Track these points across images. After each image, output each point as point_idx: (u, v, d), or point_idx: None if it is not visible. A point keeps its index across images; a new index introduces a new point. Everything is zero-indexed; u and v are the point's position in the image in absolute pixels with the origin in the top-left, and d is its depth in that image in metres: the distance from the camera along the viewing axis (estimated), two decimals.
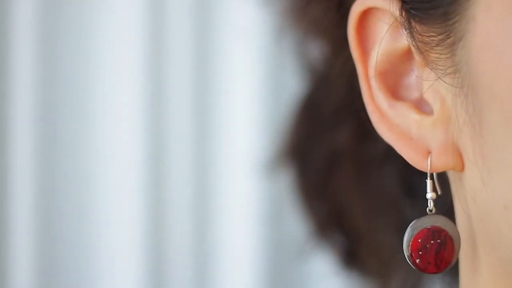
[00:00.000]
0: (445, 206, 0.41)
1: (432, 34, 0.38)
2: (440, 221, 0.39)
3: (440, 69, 0.38)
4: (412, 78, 0.40)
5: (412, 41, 0.39)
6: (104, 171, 0.75)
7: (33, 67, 0.72)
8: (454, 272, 0.43)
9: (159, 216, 0.75)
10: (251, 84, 0.74)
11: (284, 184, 0.60)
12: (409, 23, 0.38)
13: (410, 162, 0.39)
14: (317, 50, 0.54)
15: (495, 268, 0.39)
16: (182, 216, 0.75)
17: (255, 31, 0.71)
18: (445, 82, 0.38)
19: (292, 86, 0.59)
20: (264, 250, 0.75)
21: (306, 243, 0.60)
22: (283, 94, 0.68)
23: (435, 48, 0.38)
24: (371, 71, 0.40)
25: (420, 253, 0.39)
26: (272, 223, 0.75)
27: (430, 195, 0.40)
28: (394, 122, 0.40)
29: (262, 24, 0.70)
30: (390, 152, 0.46)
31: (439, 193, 0.40)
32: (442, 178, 0.42)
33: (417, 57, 0.39)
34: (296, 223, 0.61)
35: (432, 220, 0.39)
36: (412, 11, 0.38)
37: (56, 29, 0.73)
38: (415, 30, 0.38)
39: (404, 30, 0.39)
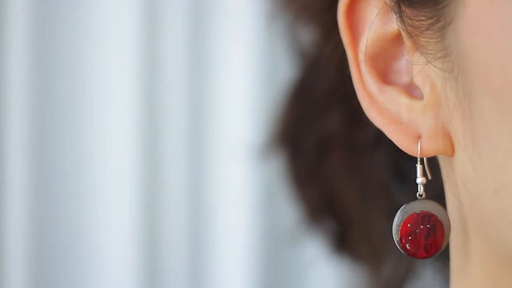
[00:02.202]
0: (436, 191, 0.41)
1: (422, 18, 0.37)
2: (430, 206, 0.39)
3: (430, 54, 0.38)
4: (402, 63, 0.40)
5: (402, 25, 0.38)
6: (99, 165, 0.75)
7: (27, 67, 0.72)
8: (445, 257, 0.43)
9: (153, 202, 0.75)
10: (243, 70, 0.74)
11: (276, 169, 0.60)
12: (399, 7, 0.38)
13: (400, 147, 0.39)
14: (307, 35, 0.54)
15: (486, 252, 0.39)
16: (175, 203, 0.75)
17: (247, 16, 0.71)
18: (435, 67, 0.38)
19: (283, 71, 0.59)
20: (256, 235, 0.75)
21: (297, 228, 0.60)
22: (275, 80, 0.67)
23: (425, 32, 0.38)
24: (361, 56, 0.40)
25: (409, 238, 0.39)
26: (264, 209, 0.75)
27: (420, 180, 0.40)
28: (384, 107, 0.40)
29: (253, 9, 0.70)
30: (380, 137, 0.46)
31: (429, 178, 0.40)
32: (433, 163, 0.42)
33: (407, 41, 0.39)
34: (288, 209, 0.61)
35: (422, 205, 0.39)
36: None
37: (50, 29, 0.73)
38: (405, 14, 0.38)
39: (393, 15, 0.39)
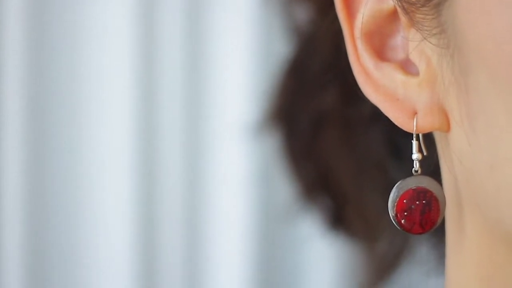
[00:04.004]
0: (431, 167, 0.41)
1: None
2: (426, 182, 0.39)
3: (426, 30, 0.38)
4: (398, 39, 0.40)
5: (397, 1, 0.38)
6: (94, 158, 0.75)
7: (23, 65, 0.72)
8: (440, 233, 0.43)
9: (149, 180, 0.75)
10: (239, 47, 0.74)
11: (271, 146, 0.61)
12: None
13: (396, 123, 0.39)
14: (303, 11, 0.53)
15: (481, 228, 0.39)
16: (171, 181, 0.76)
17: None
18: (431, 43, 0.38)
19: (279, 48, 0.59)
20: (252, 212, 0.75)
21: (293, 205, 0.61)
22: (271, 57, 0.67)
23: (420, 8, 0.38)
24: (357, 32, 0.40)
25: (405, 213, 0.39)
26: (259, 186, 0.75)
27: (415, 155, 0.40)
28: (380, 83, 0.40)
29: None
30: (376, 114, 0.46)
31: (424, 154, 0.40)
32: (429, 140, 0.42)
33: (403, 18, 0.39)
34: (283, 186, 0.61)
35: (417, 181, 0.39)
36: None
37: (46, 28, 0.72)
38: None
39: None
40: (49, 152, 0.74)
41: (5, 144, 0.72)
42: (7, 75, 0.72)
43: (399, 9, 0.39)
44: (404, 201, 0.39)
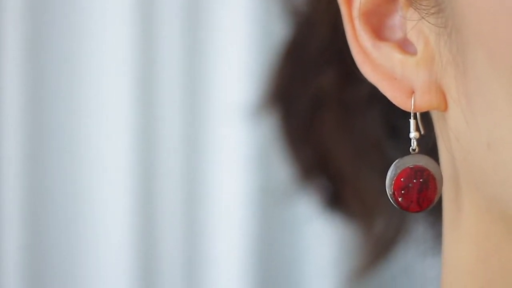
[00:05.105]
0: (428, 146, 0.42)
1: None
2: (423, 161, 0.39)
3: (424, 9, 0.38)
4: (396, 19, 0.40)
5: None
6: (93, 148, 0.75)
7: (22, 66, 0.72)
8: (437, 212, 0.44)
9: (148, 157, 0.75)
10: (237, 30, 0.74)
11: (270, 128, 0.61)
12: None
13: (394, 102, 0.39)
14: None
15: (478, 207, 0.40)
16: (168, 163, 0.76)
17: None
18: (428, 22, 0.38)
19: (278, 30, 0.59)
20: (250, 194, 0.75)
21: (291, 186, 0.61)
22: (269, 39, 0.67)
23: None
24: (355, 12, 0.40)
25: (402, 192, 0.39)
26: (258, 168, 0.75)
27: (413, 134, 0.40)
28: (378, 63, 0.40)
29: None
30: (374, 95, 0.46)
31: (422, 132, 0.41)
32: (426, 119, 0.42)
33: None
34: (282, 168, 0.61)
35: (415, 160, 0.39)
36: None
37: (45, 28, 0.72)
38: None
39: None
40: (48, 152, 0.74)
41: (4, 144, 0.73)
42: (6, 75, 0.72)
43: None
44: (402, 179, 0.39)
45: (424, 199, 0.39)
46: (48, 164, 0.74)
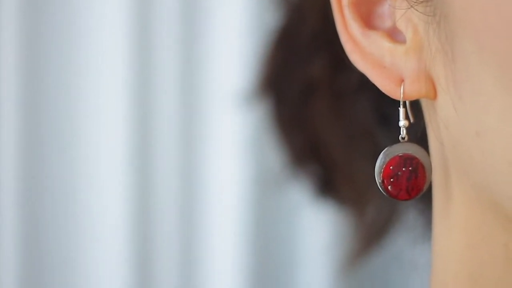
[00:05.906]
0: (418, 135, 0.42)
1: None
2: (412, 149, 0.39)
3: None
4: (385, 7, 0.40)
5: None
6: (91, 141, 0.75)
7: (18, 63, 0.72)
8: (427, 199, 0.44)
9: (143, 146, 0.75)
10: (231, 17, 0.74)
11: (261, 115, 0.61)
12: None
13: (383, 90, 0.39)
14: None
15: (467, 194, 0.40)
16: (163, 151, 0.76)
17: None
18: (417, 11, 0.38)
19: (269, 18, 0.59)
20: (244, 180, 0.75)
21: (284, 174, 0.61)
22: (261, 26, 0.67)
23: None
24: (345, 1, 0.40)
25: (391, 180, 0.39)
26: (251, 154, 0.75)
27: (402, 123, 0.40)
28: (367, 51, 0.40)
29: None
30: (364, 82, 0.46)
31: (411, 121, 0.41)
32: (416, 108, 0.42)
33: None
34: (274, 154, 0.62)
35: (404, 148, 0.39)
36: None
37: (41, 28, 0.72)
38: None
39: None
40: (45, 151, 0.74)
41: (1, 142, 0.73)
42: (2, 74, 0.71)
43: None
44: (391, 167, 0.39)
45: (413, 187, 0.39)
46: (45, 161, 0.74)
